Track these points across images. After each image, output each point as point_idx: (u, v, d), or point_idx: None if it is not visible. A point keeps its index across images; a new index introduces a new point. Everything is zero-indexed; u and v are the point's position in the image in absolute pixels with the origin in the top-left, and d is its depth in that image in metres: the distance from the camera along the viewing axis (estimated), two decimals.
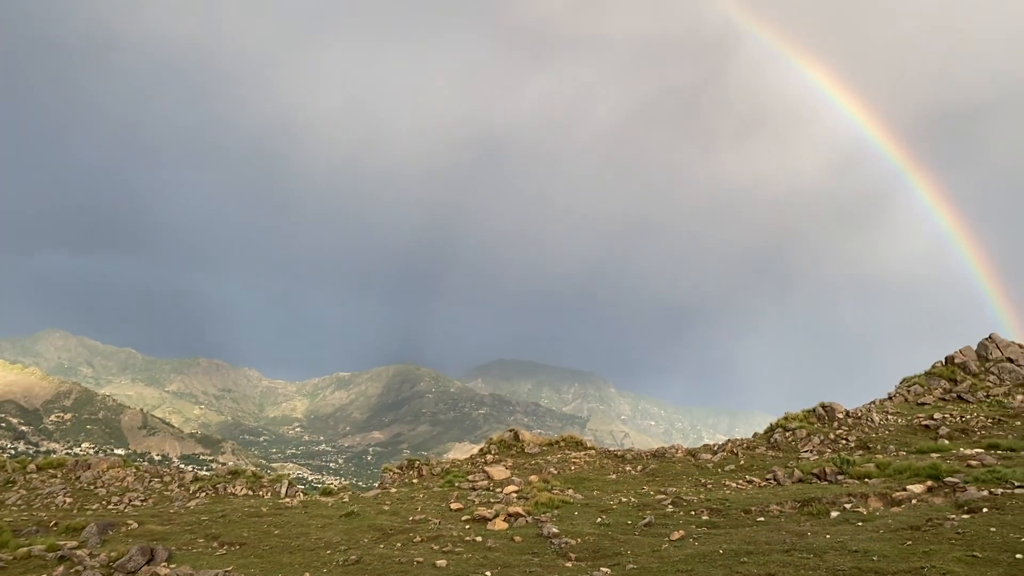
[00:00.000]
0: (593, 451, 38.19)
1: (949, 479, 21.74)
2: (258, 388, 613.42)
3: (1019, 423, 30.74)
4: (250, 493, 37.60)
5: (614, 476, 32.68)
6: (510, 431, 41.73)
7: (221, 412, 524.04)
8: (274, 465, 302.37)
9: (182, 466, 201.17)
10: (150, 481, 39.95)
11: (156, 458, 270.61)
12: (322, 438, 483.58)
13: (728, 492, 26.25)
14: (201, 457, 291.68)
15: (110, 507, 34.78)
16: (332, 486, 40.50)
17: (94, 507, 34.72)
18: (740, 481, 28.65)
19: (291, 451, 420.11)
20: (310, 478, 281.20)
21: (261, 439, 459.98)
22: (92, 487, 38.46)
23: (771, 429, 35.21)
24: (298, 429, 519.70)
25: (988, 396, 34.80)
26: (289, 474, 48.28)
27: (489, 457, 38.71)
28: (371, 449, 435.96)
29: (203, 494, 37.05)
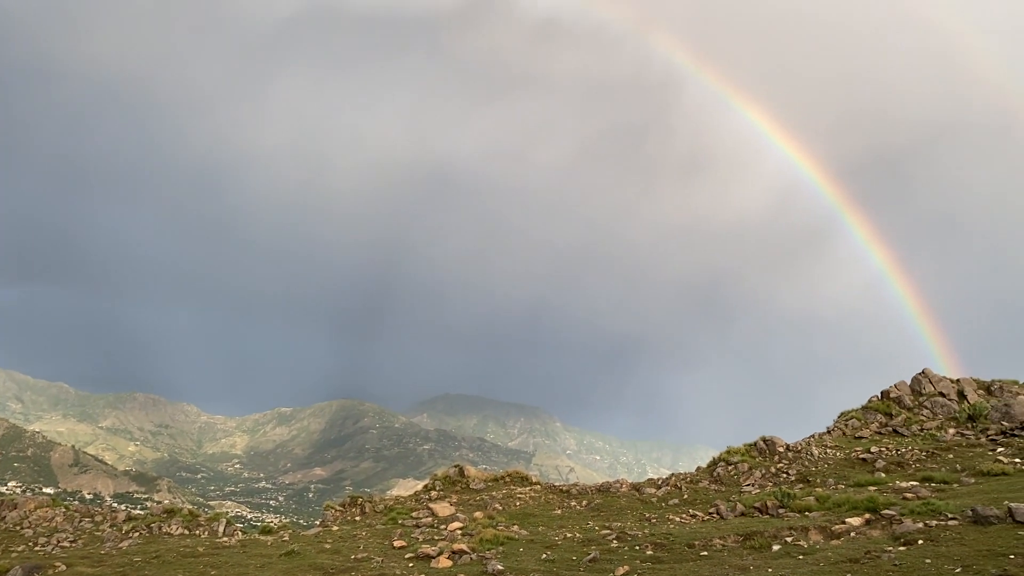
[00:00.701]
0: (539, 486, 38.04)
1: (886, 512, 22.19)
2: (196, 424, 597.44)
3: (951, 456, 31.59)
4: (186, 532, 36.45)
5: (559, 511, 32.57)
6: (455, 467, 41.36)
7: (157, 449, 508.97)
8: (212, 503, 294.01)
9: (115, 505, 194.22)
10: (80, 521, 38.47)
11: (88, 497, 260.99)
12: (262, 475, 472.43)
13: (672, 526, 26.36)
14: (135, 495, 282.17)
15: (37, 549, 33.37)
16: (272, 524, 39.51)
17: (19, 549, 33.26)
18: (684, 515, 28.82)
19: (230, 488, 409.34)
20: (249, 516, 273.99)
21: (199, 476, 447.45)
22: (18, 528, 36.87)
23: (714, 463, 35.55)
24: (237, 466, 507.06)
25: (922, 430, 35.72)
26: (227, 512, 47.01)
27: (434, 493, 38.26)
28: (313, 486, 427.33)
29: (136, 534, 35.79)
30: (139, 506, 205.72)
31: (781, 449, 34.88)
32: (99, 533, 36.27)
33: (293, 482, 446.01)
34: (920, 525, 20.17)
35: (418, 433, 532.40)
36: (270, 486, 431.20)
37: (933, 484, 27.03)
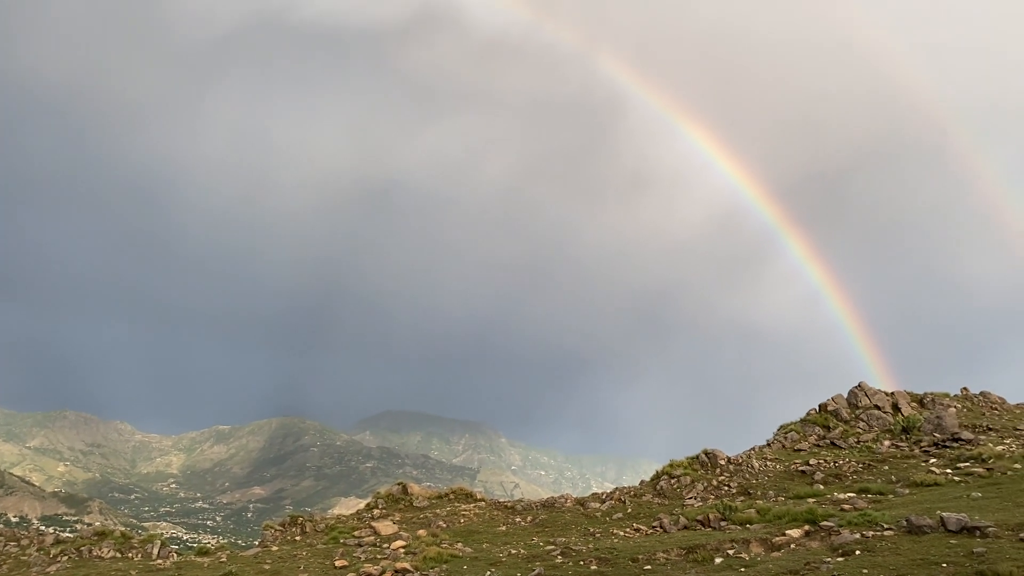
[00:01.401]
0: (483, 503, 37.77)
1: (824, 523, 22.56)
2: (130, 443, 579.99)
3: (886, 467, 32.33)
4: (118, 555, 35.19)
5: (504, 528, 32.36)
6: (398, 484, 40.84)
7: (88, 469, 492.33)
8: (146, 524, 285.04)
9: (42, 528, 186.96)
10: (5, 545, 36.88)
11: (13, 520, 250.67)
12: (199, 495, 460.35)
13: (616, 541, 26.39)
14: (64, 518, 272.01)
15: None
16: (209, 545, 38.41)
17: None
18: (628, 529, 28.89)
19: (165, 509, 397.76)
20: (185, 537, 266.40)
21: (132, 497, 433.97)
22: None
23: (657, 476, 35.78)
24: (173, 486, 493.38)
25: (859, 442, 36.52)
26: (162, 534, 45.57)
27: (376, 512, 37.69)
28: (252, 506, 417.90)
29: (65, 558, 34.43)
30: (68, 529, 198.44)
31: (723, 462, 35.28)
32: (25, 558, 34.81)
33: (231, 502, 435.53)
34: (857, 536, 20.55)
35: (360, 451, 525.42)
36: (207, 506, 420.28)
37: (870, 495, 27.62)
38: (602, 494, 36.21)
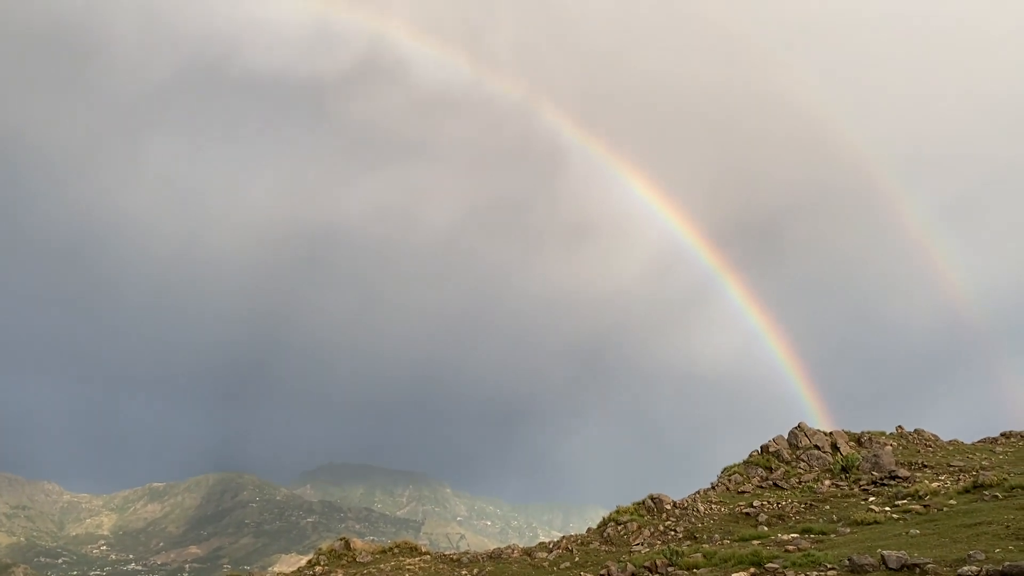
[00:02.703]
0: (428, 556, 37.02)
1: (769, 565, 22.66)
2: (58, 504, 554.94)
3: (828, 507, 32.75)
4: None
5: None
6: (340, 540, 39.82)
7: (13, 533, 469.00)
8: None
9: None
10: None
11: None
12: (132, 556, 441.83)
13: None
14: None
15: None
16: None
17: None
18: None
19: (95, 573, 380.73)
20: None
21: (60, 561, 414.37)
22: None
23: (604, 523, 35.59)
24: (104, 547, 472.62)
25: (800, 482, 36.98)
26: None
27: (318, 568, 36.62)
28: (188, 566, 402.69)
29: None
30: None
31: (668, 507, 35.30)
32: None
33: (166, 562, 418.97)
34: None
35: (301, 505, 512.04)
36: (140, 568, 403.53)
37: (812, 535, 27.87)
38: (549, 543, 35.84)
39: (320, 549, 39.48)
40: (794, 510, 32.99)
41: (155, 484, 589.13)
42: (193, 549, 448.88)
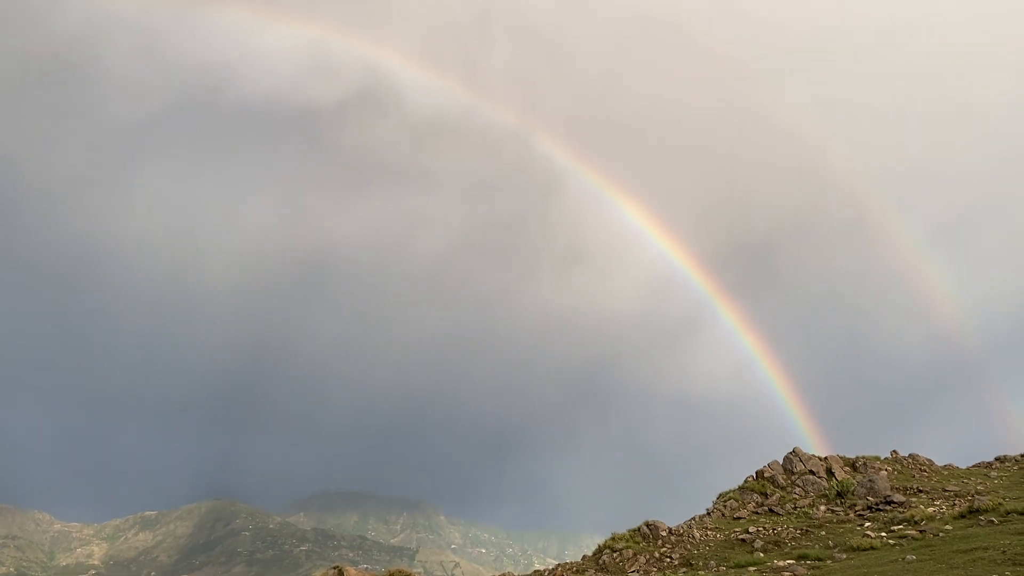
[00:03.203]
0: None
1: None
2: (48, 533, 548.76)
3: (823, 533, 32.66)
4: None
5: None
6: (334, 568, 39.49)
7: (2, 563, 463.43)
8: None
9: None
10: None
11: None
12: None
13: None
14: None
15: None
16: None
17: None
18: None
19: None
20: None
21: None
22: None
23: (599, 550, 35.39)
24: None
25: (796, 508, 36.86)
26: None
27: None
28: None
29: None
30: None
31: (664, 533, 35.14)
32: None
33: None
34: None
35: (294, 533, 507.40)
36: None
37: (808, 561, 27.79)
38: (544, 571, 35.61)
39: None
40: (790, 536, 32.87)
41: (147, 513, 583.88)
42: None
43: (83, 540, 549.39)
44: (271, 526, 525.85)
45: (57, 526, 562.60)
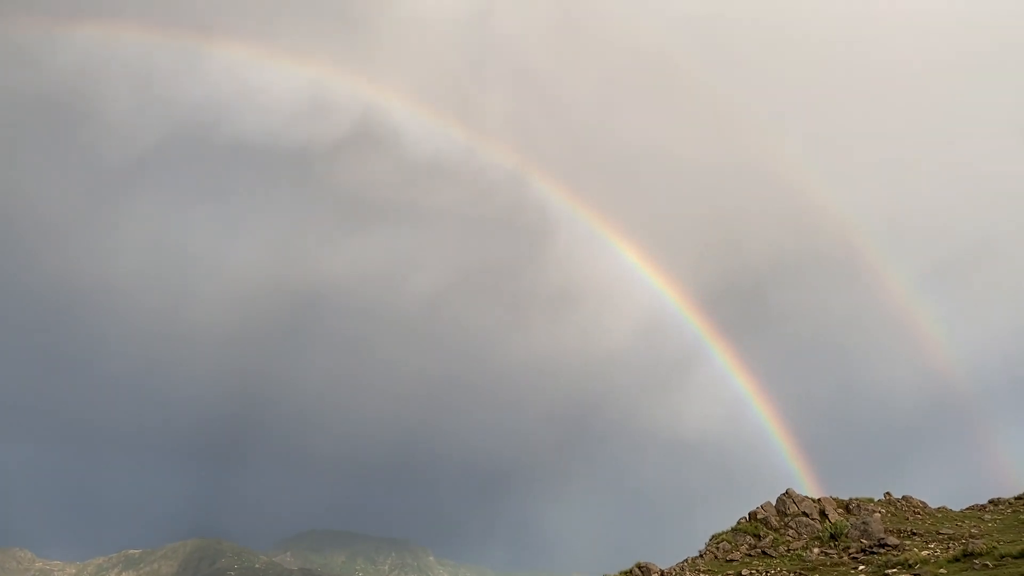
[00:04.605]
0: None
1: None
2: (29, 571, 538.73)
3: (817, 575, 32.32)
4: None
5: None
6: None
7: None
8: None
9: None
10: None
11: None
12: None
13: None
14: None
15: None
16: None
17: None
18: None
19: None
20: None
21: None
22: None
23: None
24: None
25: (789, 550, 36.52)
26: None
27: None
28: None
29: None
30: None
31: (656, 575, 34.72)
32: None
33: None
34: None
35: (281, 573, 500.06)
36: None
37: None
38: None
39: None
40: None
41: (130, 551, 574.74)
42: None
43: None
44: (257, 565, 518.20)
45: (38, 564, 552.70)
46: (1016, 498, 43.08)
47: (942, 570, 28.74)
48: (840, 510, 40.60)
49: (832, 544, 36.46)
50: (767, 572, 33.47)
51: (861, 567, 32.47)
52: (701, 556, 37.99)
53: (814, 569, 33.24)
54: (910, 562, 30.83)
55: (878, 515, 39.69)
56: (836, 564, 33.64)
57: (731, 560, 36.65)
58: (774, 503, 41.15)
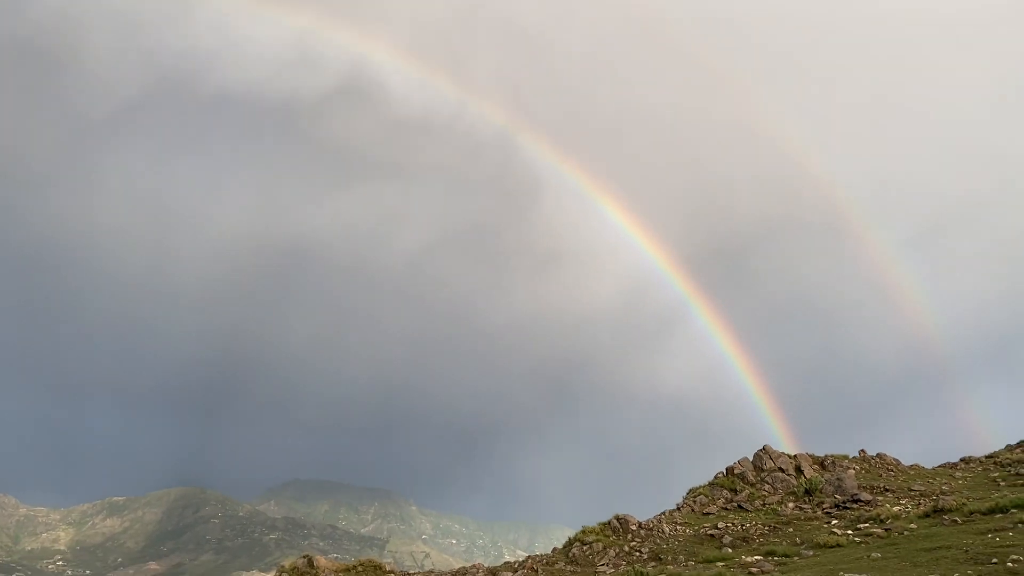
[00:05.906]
0: (392, 574, 36.72)
1: None
2: (14, 517, 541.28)
3: (791, 530, 33.03)
4: None
5: None
6: (304, 557, 39.33)
7: None
8: None
9: None
10: None
11: None
12: (89, 572, 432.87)
13: None
14: None
15: None
16: None
17: None
18: None
19: None
20: None
21: None
22: None
23: (569, 543, 35.54)
24: (60, 563, 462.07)
25: (764, 504, 37.24)
26: None
27: None
28: None
29: None
30: None
31: (634, 527, 35.34)
32: None
33: None
34: None
35: (264, 522, 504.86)
36: None
37: (776, 558, 28.09)
38: (514, 563, 35.70)
39: (283, 566, 38.96)
40: (758, 532, 33.20)
41: (115, 498, 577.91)
42: (152, 565, 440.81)
43: (49, 525, 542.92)
44: (241, 514, 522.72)
45: (23, 510, 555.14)
46: (987, 456, 43.96)
47: (912, 525, 29.41)
48: (815, 466, 41.33)
49: (807, 499, 37.19)
50: (743, 526, 34.15)
51: (834, 521, 33.19)
52: (678, 509, 38.67)
53: (788, 523, 33.95)
54: (882, 517, 31.52)
55: (852, 472, 40.46)
56: (810, 518, 34.36)
57: (708, 513, 37.35)
58: (751, 459, 41.81)
